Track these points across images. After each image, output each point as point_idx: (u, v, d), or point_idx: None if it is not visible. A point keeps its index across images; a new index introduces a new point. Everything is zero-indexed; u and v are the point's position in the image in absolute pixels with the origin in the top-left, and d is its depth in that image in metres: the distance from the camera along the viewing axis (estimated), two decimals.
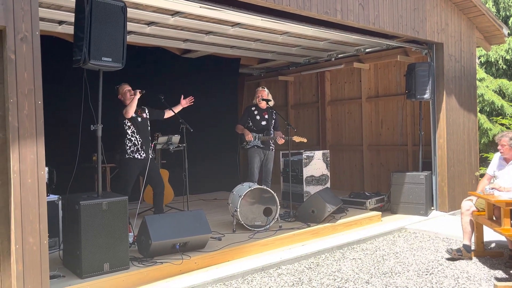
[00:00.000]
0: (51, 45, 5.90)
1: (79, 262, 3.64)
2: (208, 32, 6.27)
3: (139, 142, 5.23)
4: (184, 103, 5.64)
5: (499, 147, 4.57)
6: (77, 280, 3.62)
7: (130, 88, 5.24)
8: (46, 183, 4.01)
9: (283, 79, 9.47)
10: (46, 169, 4.18)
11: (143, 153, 5.27)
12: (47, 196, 3.79)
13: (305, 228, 5.31)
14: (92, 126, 3.84)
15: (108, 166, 6.25)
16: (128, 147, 5.21)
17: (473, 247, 4.71)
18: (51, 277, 3.53)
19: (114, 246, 3.77)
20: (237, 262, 4.43)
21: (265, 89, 6.31)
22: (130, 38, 6.03)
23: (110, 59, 3.60)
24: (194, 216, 4.43)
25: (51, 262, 3.57)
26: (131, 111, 5.10)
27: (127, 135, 5.21)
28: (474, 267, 4.37)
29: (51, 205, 4.36)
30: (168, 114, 5.64)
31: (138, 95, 5.11)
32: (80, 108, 3.83)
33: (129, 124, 5.21)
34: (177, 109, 5.64)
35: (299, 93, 9.68)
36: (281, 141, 6.13)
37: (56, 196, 4.50)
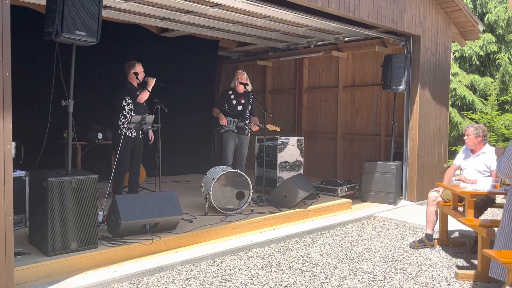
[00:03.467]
0: (23, 16, 5.68)
1: (45, 240, 3.58)
2: (187, 12, 6.15)
3: None
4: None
5: (464, 138, 4.75)
6: (43, 257, 3.56)
7: (141, 70, 5.29)
8: (13, 158, 3.91)
9: (261, 64, 9.44)
10: (14, 144, 4.06)
11: (134, 132, 5.31)
12: (13, 171, 3.69)
13: (276, 212, 5.37)
14: (63, 101, 3.74)
15: (78, 143, 6.12)
16: (121, 123, 5.23)
17: (435, 236, 4.88)
18: (16, 254, 3.46)
19: (83, 224, 3.71)
20: (208, 244, 4.45)
21: (244, 73, 6.26)
22: (106, 13, 5.86)
23: (84, 33, 3.50)
24: (165, 197, 4.41)
25: (16, 239, 3.50)
26: (144, 98, 5.20)
27: (123, 111, 5.23)
28: (437, 255, 4.52)
29: (18, 181, 4.25)
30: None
31: (152, 83, 5.13)
32: (51, 82, 3.71)
33: (129, 101, 5.22)
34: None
35: (277, 78, 9.67)
36: (255, 128, 6.14)
37: (23, 172, 4.38)
